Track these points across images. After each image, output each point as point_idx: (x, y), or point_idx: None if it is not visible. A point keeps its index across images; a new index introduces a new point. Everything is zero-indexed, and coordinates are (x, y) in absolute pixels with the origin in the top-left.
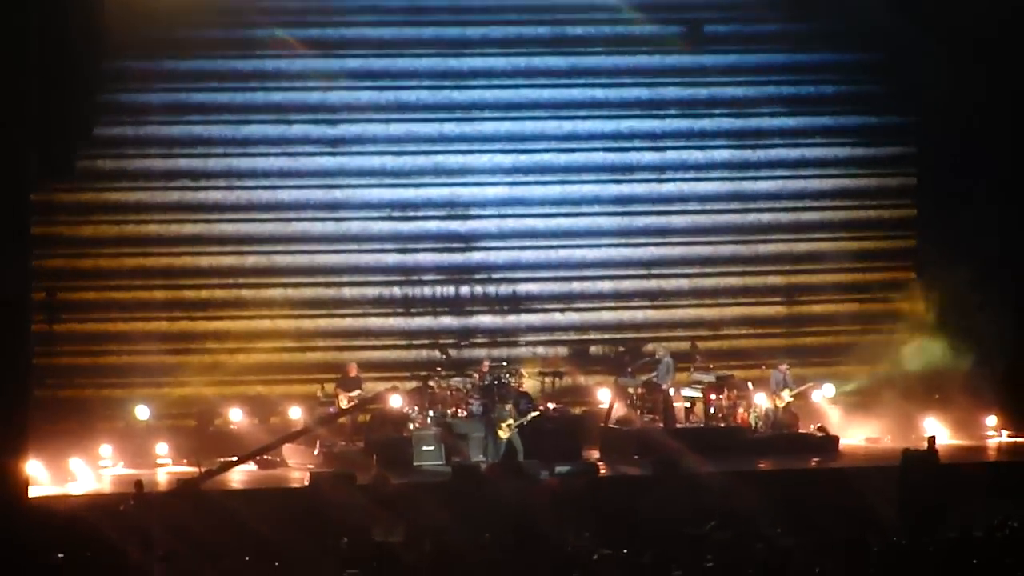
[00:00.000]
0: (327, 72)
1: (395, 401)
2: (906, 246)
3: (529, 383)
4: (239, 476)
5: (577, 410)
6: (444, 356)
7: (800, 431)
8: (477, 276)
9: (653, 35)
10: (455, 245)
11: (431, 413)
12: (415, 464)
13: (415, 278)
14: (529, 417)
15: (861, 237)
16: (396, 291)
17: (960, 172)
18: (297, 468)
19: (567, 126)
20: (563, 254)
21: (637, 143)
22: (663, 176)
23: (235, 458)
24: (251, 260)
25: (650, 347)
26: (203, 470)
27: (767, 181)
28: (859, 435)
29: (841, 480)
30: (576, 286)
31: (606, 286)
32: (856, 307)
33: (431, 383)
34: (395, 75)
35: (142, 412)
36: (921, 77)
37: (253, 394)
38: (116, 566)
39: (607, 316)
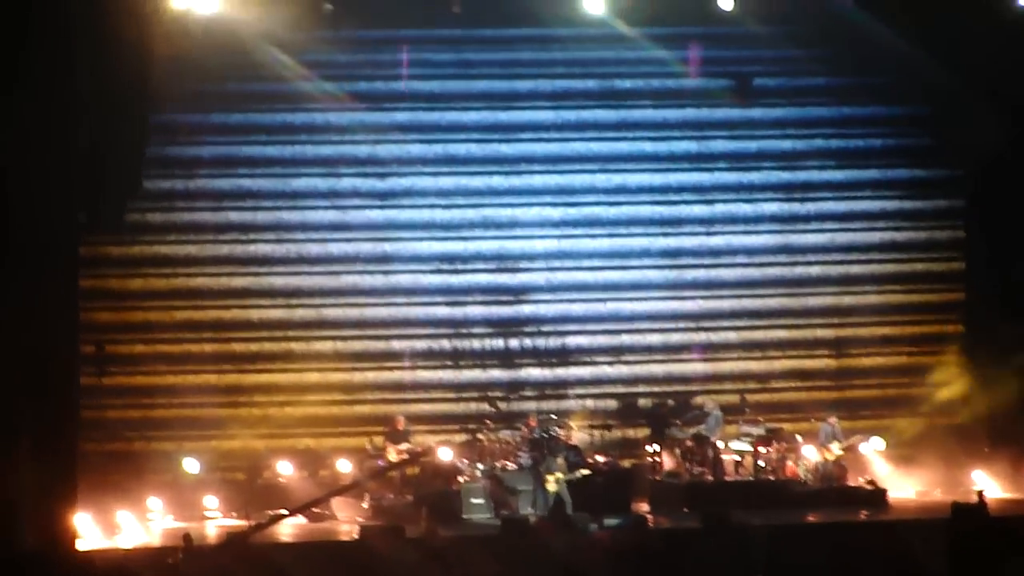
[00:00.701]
0: (376, 125)
1: (444, 454)
2: (954, 299)
3: (578, 436)
4: (288, 529)
5: (626, 463)
6: (493, 409)
7: (849, 484)
8: (526, 329)
9: (701, 88)
10: (504, 298)
11: (480, 466)
12: (464, 517)
13: (464, 331)
14: (579, 472)
15: (910, 290)
16: (445, 344)
17: (1009, 225)
18: (346, 521)
19: (616, 179)
20: (612, 307)
21: (686, 196)
22: (712, 229)
23: (284, 511)
24: (300, 313)
25: (699, 400)
26: (252, 523)
27: (816, 234)
28: (908, 488)
29: (890, 533)
30: (625, 339)
31: (655, 339)
32: (904, 360)
33: (480, 436)
34: (444, 128)
35: (191, 465)
36: (969, 130)
37: (302, 447)
38: None
39: (656, 369)
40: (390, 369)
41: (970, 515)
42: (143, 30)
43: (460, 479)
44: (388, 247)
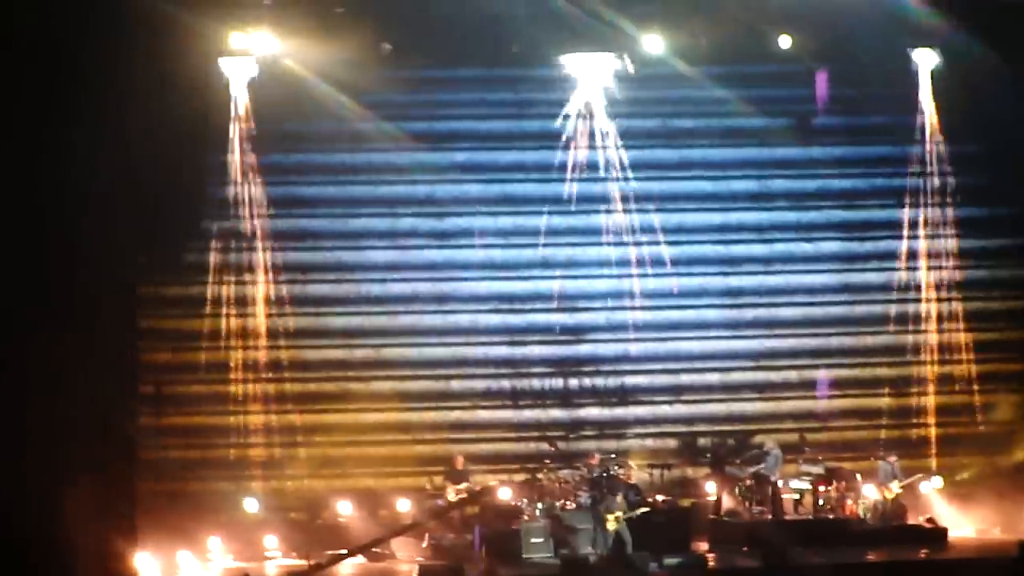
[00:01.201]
0: (435, 165)
1: (504, 494)
2: (1015, 337)
3: (637, 475)
4: (348, 569)
5: (686, 502)
6: (552, 448)
7: (909, 523)
8: (585, 368)
9: (761, 127)
10: (563, 337)
11: (540, 505)
12: (524, 557)
13: (523, 370)
14: (639, 511)
15: (971, 328)
16: (504, 383)
17: None
18: (406, 561)
19: (675, 218)
20: (671, 346)
21: (745, 235)
22: (771, 268)
23: (344, 551)
24: (359, 353)
25: (758, 439)
26: (312, 563)
27: (875, 272)
28: (968, 527)
29: (951, 572)
30: (684, 378)
31: (714, 378)
32: (964, 398)
33: (540, 475)
34: (502, 168)
35: (251, 505)
36: None
37: (362, 487)
38: None
39: (715, 408)
40: (449, 409)
41: None
42: (202, 72)
43: (520, 519)
44: (446, 287)
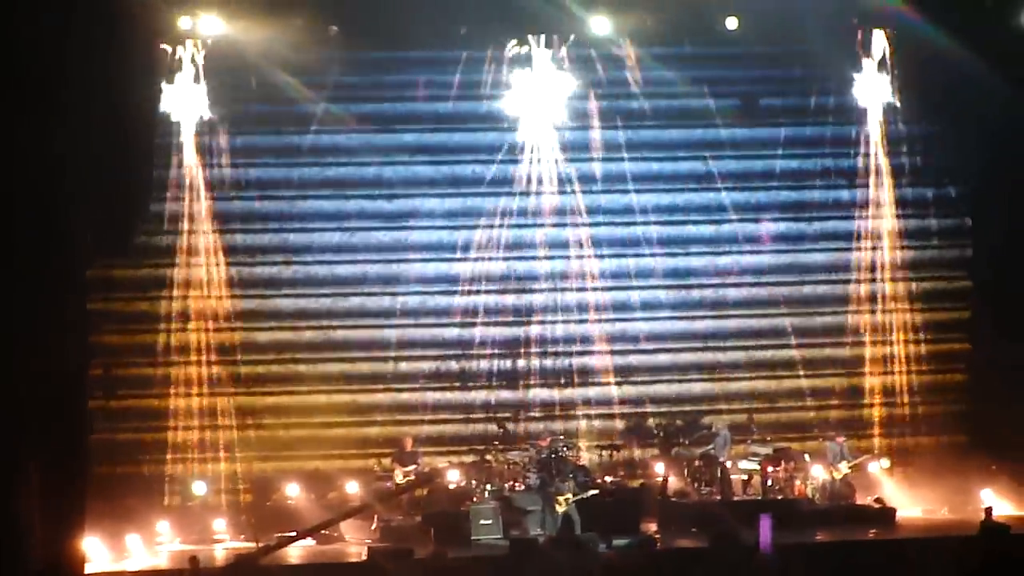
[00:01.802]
0: (383, 146)
1: (452, 475)
2: (961, 318)
3: (586, 456)
4: (296, 551)
5: (634, 483)
6: (501, 430)
7: (857, 503)
8: (534, 349)
9: (708, 109)
10: (512, 319)
11: (489, 487)
12: (473, 538)
13: (472, 352)
14: (588, 493)
15: (916, 309)
16: (453, 365)
17: (1014, 242)
18: (355, 543)
19: (623, 199)
20: (619, 327)
21: (692, 216)
22: (719, 249)
23: (293, 533)
24: (308, 335)
25: (707, 420)
26: (260, 546)
27: (823, 253)
28: (916, 507)
29: (899, 552)
30: (633, 359)
31: (663, 359)
32: (912, 378)
33: (488, 457)
34: (451, 149)
35: (199, 488)
36: (976, 151)
37: (310, 469)
38: None
39: (664, 389)
40: (398, 390)
41: (998, 534)
42: (148, 52)
43: (469, 500)
44: (395, 268)
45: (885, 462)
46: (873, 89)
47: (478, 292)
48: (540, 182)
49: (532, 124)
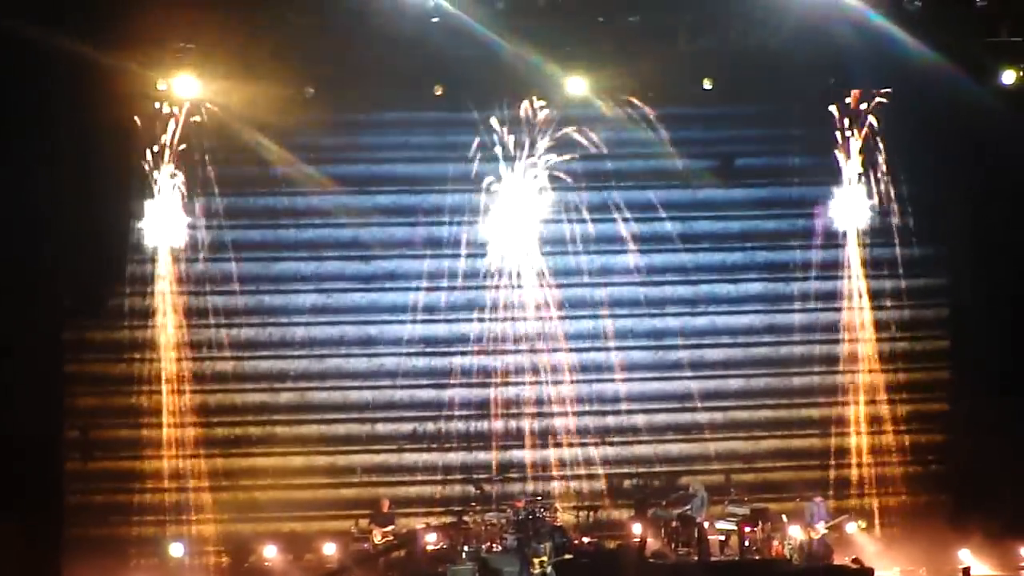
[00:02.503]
0: (359, 208)
1: (430, 537)
2: (940, 377)
3: (564, 517)
4: None
5: (612, 544)
6: (478, 491)
7: (835, 563)
8: (511, 411)
9: (685, 169)
10: (489, 380)
11: (466, 548)
12: None
13: (449, 413)
14: (565, 556)
15: (895, 368)
16: (430, 426)
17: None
18: None
19: (599, 260)
20: (596, 388)
21: (669, 276)
22: (696, 309)
23: None
24: (285, 396)
25: (684, 480)
26: None
27: (800, 313)
28: (894, 567)
29: None
30: (610, 420)
31: (640, 419)
32: (890, 438)
33: (466, 518)
34: (427, 211)
35: (176, 549)
36: (949, 209)
37: (287, 530)
38: None
39: (641, 450)
40: (375, 452)
41: None
42: (125, 117)
43: (447, 562)
44: (372, 330)
45: (863, 523)
46: (851, 149)
47: (455, 353)
48: (513, 244)
49: (506, 186)
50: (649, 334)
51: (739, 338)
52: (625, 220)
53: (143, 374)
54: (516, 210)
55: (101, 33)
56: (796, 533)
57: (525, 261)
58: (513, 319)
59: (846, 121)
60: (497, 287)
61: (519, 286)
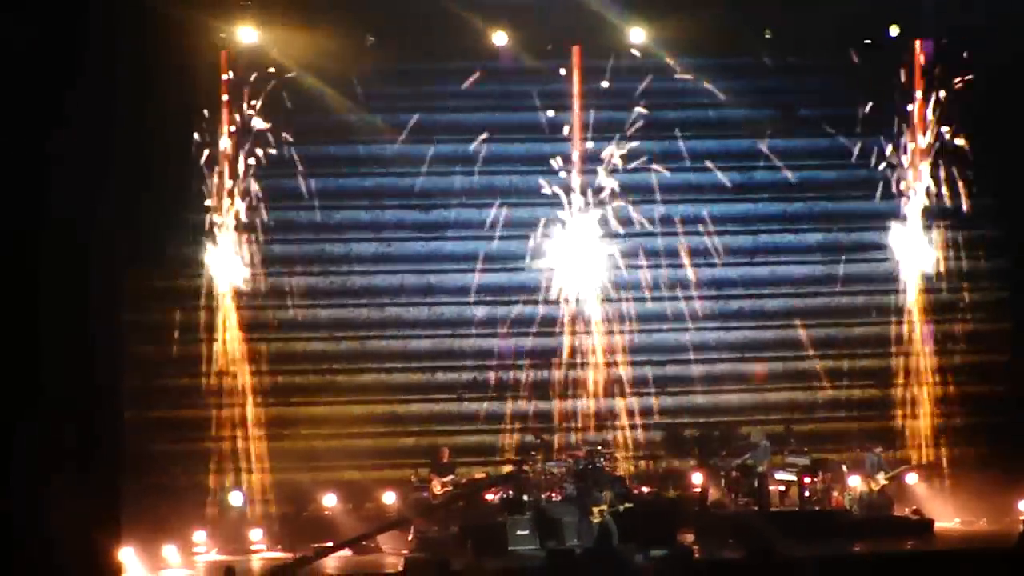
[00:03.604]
0: (420, 157)
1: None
2: (1001, 328)
3: (623, 467)
4: (333, 563)
5: (671, 494)
6: (538, 440)
7: (895, 514)
8: (571, 360)
9: (745, 119)
10: (549, 329)
11: (525, 498)
12: (510, 549)
13: (509, 362)
14: (625, 504)
15: (956, 319)
16: (490, 375)
17: None
18: (391, 554)
19: (660, 210)
20: (656, 338)
21: (729, 226)
22: (755, 259)
23: (330, 544)
24: (344, 345)
25: (744, 431)
26: (297, 556)
27: (860, 264)
28: (954, 518)
29: (936, 563)
30: (669, 370)
31: (699, 370)
32: (951, 389)
33: (525, 467)
34: (488, 160)
35: (236, 498)
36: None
37: (347, 479)
38: None
39: (701, 400)
40: (435, 401)
41: None
42: (186, 65)
43: (506, 512)
44: (432, 279)
45: (923, 473)
46: (910, 98)
47: (515, 303)
48: (577, 192)
49: (568, 135)
50: (709, 283)
51: (799, 288)
52: (684, 169)
53: (203, 323)
54: (577, 161)
55: None
56: (856, 484)
57: (586, 210)
58: (573, 269)
59: (911, 72)
60: (558, 236)
61: (580, 235)
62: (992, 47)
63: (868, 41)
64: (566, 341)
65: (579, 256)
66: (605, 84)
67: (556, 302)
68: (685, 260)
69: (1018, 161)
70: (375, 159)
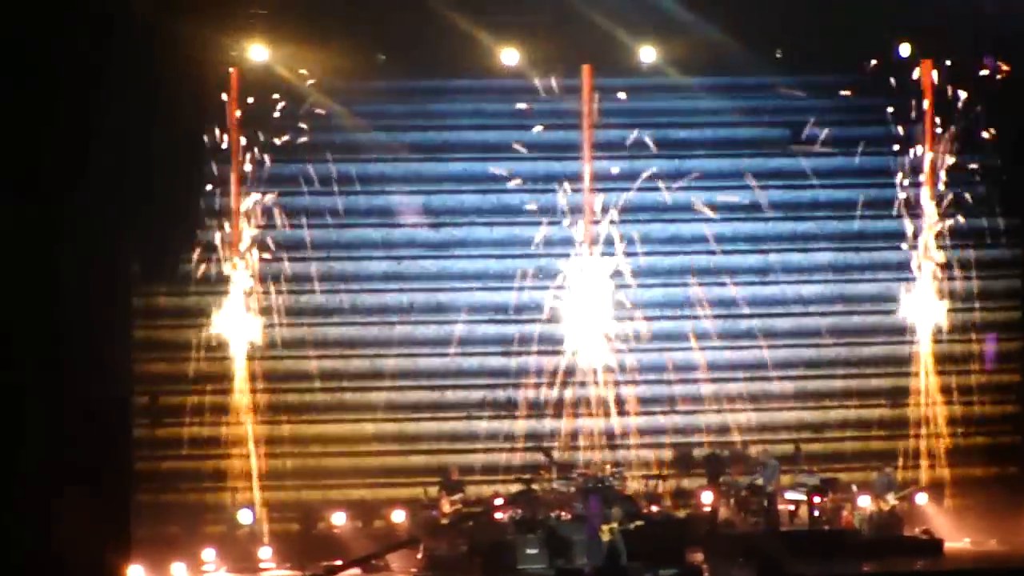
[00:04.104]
0: (430, 175)
1: (498, 505)
2: (1012, 348)
3: (633, 486)
4: None
5: (681, 513)
6: (547, 459)
7: (905, 534)
8: (580, 379)
9: (756, 138)
10: (558, 348)
11: (535, 517)
12: (519, 567)
13: (518, 381)
14: (634, 524)
15: (966, 340)
16: (499, 394)
17: None
18: (401, 572)
19: (670, 228)
20: (667, 357)
21: (740, 245)
22: (766, 278)
23: (339, 563)
24: (355, 364)
25: (754, 450)
26: (307, 574)
27: (870, 283)
28: (963, 538)
29: None
30: (678, 389)
31: (709, 389)
32: (960, 409)
33: (535, 486)
34: (497, 178)
35: (245, 516)
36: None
37: (356, 498)
38: None
39: (710, 419)
40: (444, 419)
41: None
42: (197, 82)
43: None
44: (442, 297)
45: (933, 493)
46: (921, 118)
47: (524, 321)
48: (585, 211)
49: (579, 153)
50: (719, 303)
51: (809, 307)
52: (694, 189)
53: (212, 340)
54: (586, 179)
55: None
56: (866, 503)
57: (596, 228)
58: (582, 287)
59: (917, 86)
60: (567, 255)
61: (586, 254)
62: (1012, 60)
63: (876, 60)
64: (576, 359)
65: (587, 276)
66: (615, 103)
67: (565, 321)
68: (695, 279)
69: None
70: (385, 177)
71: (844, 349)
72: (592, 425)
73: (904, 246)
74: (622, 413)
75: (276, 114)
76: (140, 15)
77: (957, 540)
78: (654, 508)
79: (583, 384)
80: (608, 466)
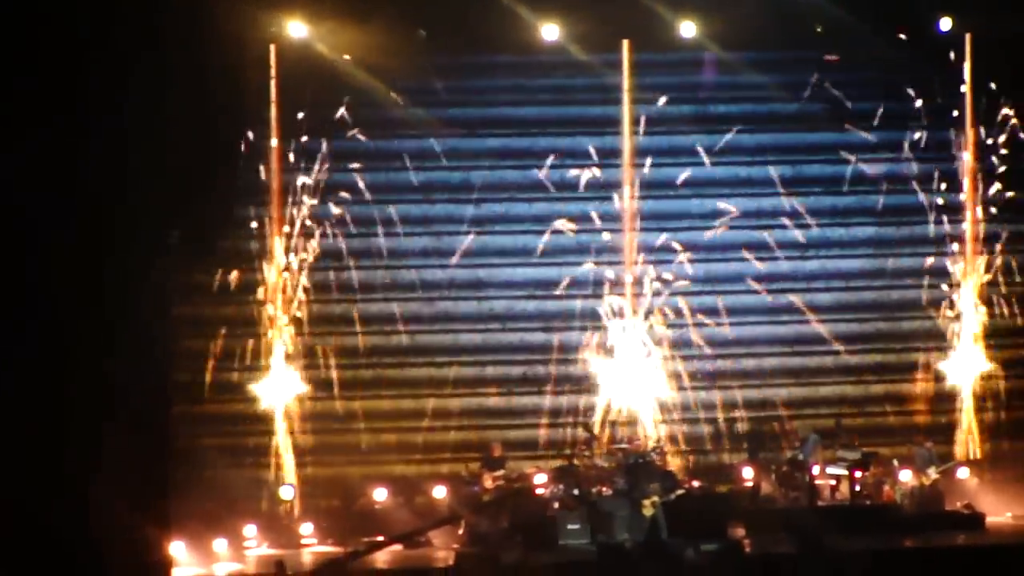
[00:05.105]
0: (470, 151)
1: (540, 480)
2: None
3: (673, 461)
4: (384, 557)
5: (722, 488)
6: (589, 434)
7: (946, 508)
8: (621, 354)
9: (796, 112)
10: (599, 324)
11: (576, 492)
12: (560, 543)
13: (560, 356)
14: (675, 495)
15: (1006, 314)
16: (540, 370)
17: None
18: (442, 548)
19: (710, 204)
20: (706, 332)
21: (780, 220)
22: (806, 253)
23: (381, 539)
24: (395, 339)
25: (795, 425)
26: (348, 550)
27: (911, 258)
28: (1005, 513)
29: (989, 558)
30: (720, 364)
31: (750, 363)
32: (1001, 384)
33: (576, 462)
34: (538, 154)
35: (286, 492)
36: None
37: (398, 474)
38: None
39: (751, 394)
40: (485, 395)
41: None
42: (235, 57)
43: (556, 505)
44: (482, 273)
45: (975, 467)
46: (962, 93)
47: (565, 297)
48: (626, 186)
49: (619, 129)
50: (759, 278)
51: (850, 282)
52: (735, 164)
53: (252, 317)
54: (626, 154)
55: None
56: (907, 478)
57: (636, 204)
58: (623, 263)
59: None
60: (607, 230)
61: (627, 229)
62: None
63: (918, 34)
64: (616, 335)
65: (628, 248)
66: (654, 79)
67: (606, 295)
68: (735, 254)
69: None
70: (425, 153)
71: (884, 323)
72: (633, 401)
73: (946, 220)
74: (663, 388)
75: (316, 90)
76: None
77: (999, 514)
78: (695, 483)
79: (623, 359)
80: (649, 441)
